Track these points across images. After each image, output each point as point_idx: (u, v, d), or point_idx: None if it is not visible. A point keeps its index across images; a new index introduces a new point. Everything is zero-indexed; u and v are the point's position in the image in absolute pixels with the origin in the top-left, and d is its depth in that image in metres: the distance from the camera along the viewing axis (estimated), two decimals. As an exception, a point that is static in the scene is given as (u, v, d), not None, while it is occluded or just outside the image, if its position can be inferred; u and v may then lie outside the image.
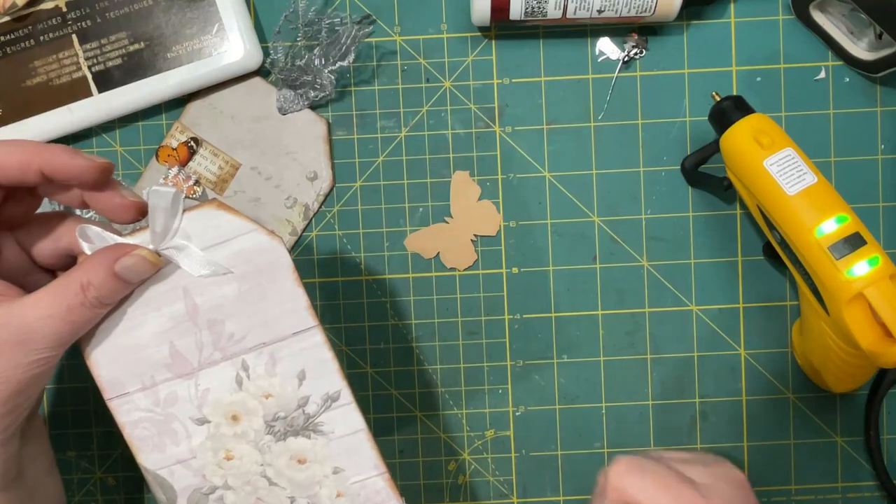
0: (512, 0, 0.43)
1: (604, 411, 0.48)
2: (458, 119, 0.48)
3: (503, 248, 0.48)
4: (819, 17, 0.46)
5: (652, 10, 0.44)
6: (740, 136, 0.41)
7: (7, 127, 0.46)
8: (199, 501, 0.39)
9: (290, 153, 0.48)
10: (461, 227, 0.48)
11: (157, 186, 0.35)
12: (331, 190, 0.48)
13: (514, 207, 0.48)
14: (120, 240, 0.36)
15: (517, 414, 0.49)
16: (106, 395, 0.37)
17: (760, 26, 0.47)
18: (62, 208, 0.45)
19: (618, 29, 0.48)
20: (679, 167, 0.48)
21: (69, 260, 0.38)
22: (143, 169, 0.48)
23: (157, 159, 0.48)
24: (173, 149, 0.48)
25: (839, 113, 0.47)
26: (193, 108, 0.48)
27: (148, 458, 0.38)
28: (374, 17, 0.48)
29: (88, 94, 0.46)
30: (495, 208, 0.48)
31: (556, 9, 0.44)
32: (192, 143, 0.48)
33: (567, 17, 0.44)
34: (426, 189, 0.48)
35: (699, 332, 0.48)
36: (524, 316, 0.48)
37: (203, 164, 0.48)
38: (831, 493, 0.48)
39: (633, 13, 0.44)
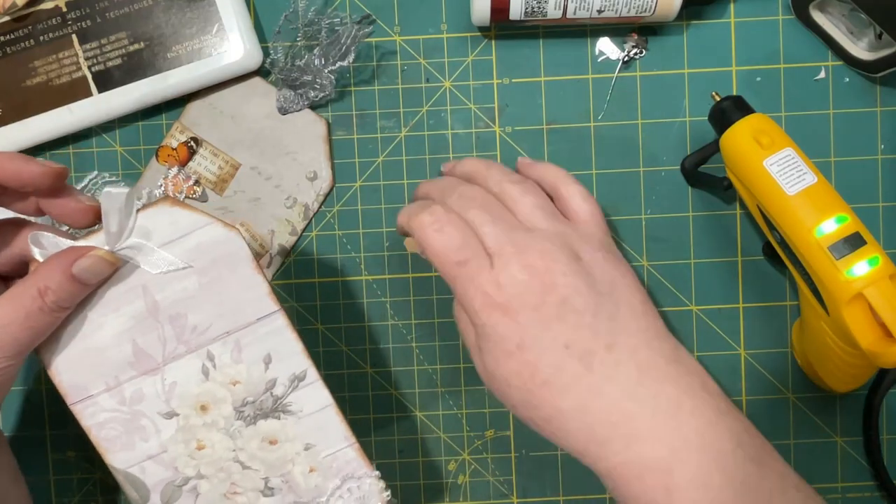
0: (512, 0, 0.43)
1: (604, 411, 0.48)
2: (458, 119, 0.48)
3: (503, 248, 0.48)
4: (819, 17, 0.46)
5: (652, 10, 0.44)
6: (740, 136, 0.41)
7: (7, 127, 0.46)
8: (172, 494, 0.39)
9: (290, 153, 0.48)
10: None
11: (110, 188, 0.35)
12: (331, 190, 0.48)
13: (514, 207, 0.48)
14: (73, 244, 0.36)
15: (517, 414, 0.49)
16: (69, 399, 0.38)
17: (760, 26, 0.47)
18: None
19: (618, 29, 0.48)
20: (679, 167, 0.48)
21: (23, 267, 0.38)
22: (143, 169, 0.48)
23: (157, 159, 0.48)
24: (173, 149, 0.48)
25: (839, 113, 0.47)
26: (193, 108, 0.48)
27: (116, 457, 0.38)
28: (374, 17, 0.48)
29: (88, 94, 0.46)
30: None
31: (556, 9, 0.44)
32: (192, 143, 0.48)
33: (567, 17, 0.44)
34: None
35: (699, 332, 0.48)
36: (524, 316, 0.48)
37: (203, 164, 0.48)
38: (831, 493, 0.48)
39: (632, 13, 0.44)
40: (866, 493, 0.48)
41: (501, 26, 0.47)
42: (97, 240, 0.36)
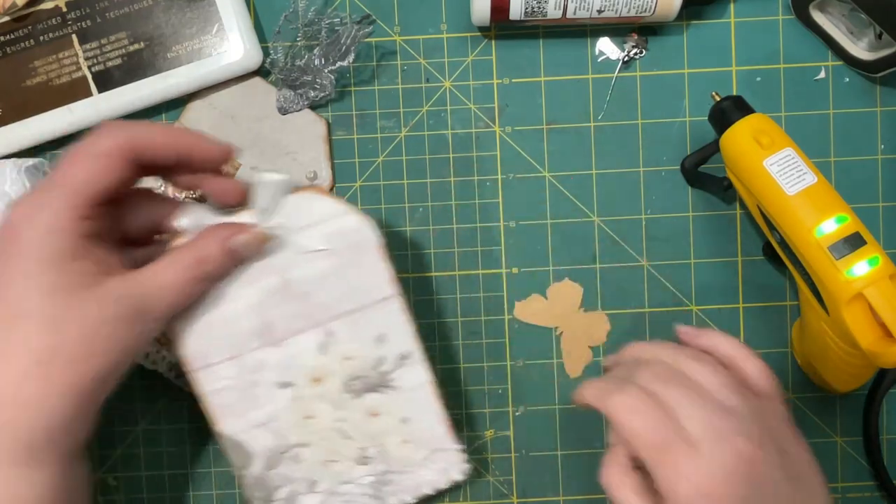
0: (512, 0, 0.43)
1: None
2: (458, 119, 0.48)
3: (503, 248, 0.48)
4: (819, 17, 0.46)
5: (652, 10, 0.44)
6: (740, 136, 0.41)
7: (7, 127, 0.46)
8: (274, 461, 0.42)
9: (290, 153, 0.48)
10: (573, 336, 0.48)
11: (268, 172, 0.39)
12: (331, 190, 0.48)
13: (514, 207, 0.48)
14: (224, 219, 0.39)
15: (517, 414, 0.49)
16: (190, 366, 0.40)
17: (760, 26, 0.47)
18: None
19: (618, 29, 0.48)
20: (679, 167, 0.48)
21: (150, 236, 0.40)
22: (143, 169, 0.48)
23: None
24: (173, 149, 0.48)
25: (839, 113, 0.47)
26: (193, 108, 0.48)
27: (227, 424, 0.41)
28: (374, 17, 0.48)
29: (88, 94, 0.46)
30: (606, 318, 0.48)
31: (556, 9, 0.44)
32: (192, 143, 0.48)
33: (567, 17, 0.44)
34: (426, 189, 0.48)
35: (699, 332, 0.48)
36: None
37: (203, 164, 0.48)
38: (831, 493, 0.48)
39: (633, 13, 0.44)
40: (866, 493, 0.48)
41: (501, 26, 0.47)
42: (246, 217, 0.39)
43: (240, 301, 0.40)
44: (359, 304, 0.41)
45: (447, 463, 0.43)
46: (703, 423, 0.35)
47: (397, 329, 0.41)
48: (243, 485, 0.42)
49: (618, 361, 0.41)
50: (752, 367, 0.39)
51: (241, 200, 0.39)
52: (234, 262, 0.38)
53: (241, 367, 0.40)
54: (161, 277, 0.36)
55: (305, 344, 0.41)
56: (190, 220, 0.39)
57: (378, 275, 0.41)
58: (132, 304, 0.35)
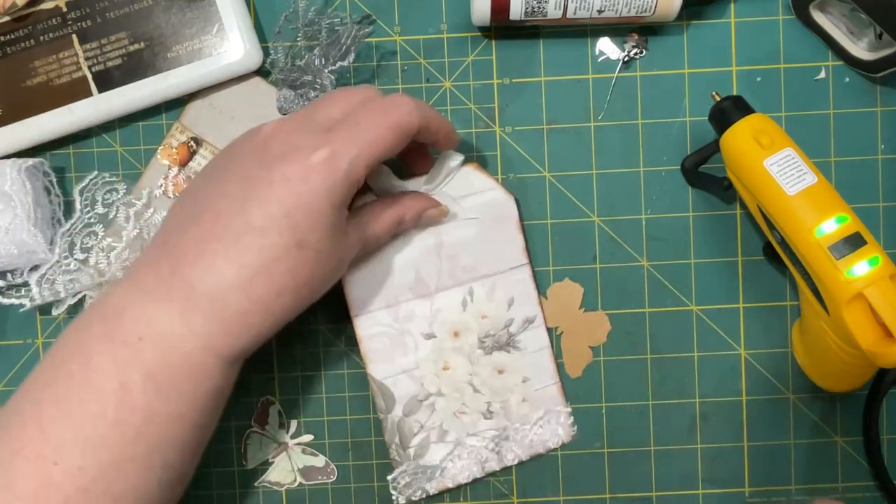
0: (512, 0, 0.43)
1: (603, 411, 0.48)
2: (458, 119, 0.48)
3: (503, 248, 0.48)
4: (819, 17, 0.46)
5: (652, 10, 0.44)
6: (740, 136, 0.41)
7: (7, 127, 0.46)
8: (413, 407, 0.46)
9: (290, 153, 0.48)
10: (573, 336, 0.48)
11: (449, 153, 0.45)
12: (331, 190, 0.48)
13: (514, 207, 0.48)
14: (402, 183, 0.45)
15: (517, 414, 0.49)
16: (353, 311, 0.46)
17: (760, 26, 0.47)
18: None
19: (618, 29, 0.48)
20: (679, 167, 0.48)
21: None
22: (144, 169, 0.48)
23: (161, 157, 0.48)
24: (173, 149, 0.48)
25: (839, 113, 0.47)
26: (193, 108, 0.48)
27: (377, 368, 0.46)
28: (374, 17, 0.48)
29: (88, 94, 0.46)
30: (606, 318, 0.48)
31: (556, 9, 0.44)
32: (192, 143, 0.48)
33: (567, 17, 0.44)
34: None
35: (699, 332, 0.48)
36: (524, 316, 0.48)
37: (203, 164, 0.48)
38: (831, 493, 0.48)
39: (633, 13, 0.44)
40: (866, 493, 0.48)
41: (501, 26, 0.47)
42: (415, 183, 0.45)
43: (400, 256, 0.45)
44: (496, 269, 0.46)
45: (558, 423, 0.47)
46: None
47: (525, 295, 0.47)
48: (383, 429, 0.46)
49: None
50: None
51: (424, 172, 0.45)
52: (415, 228, 0.45)
53: (395, 316, 0.46)
54: (376, 227, 0.42)
55: (450, 300, 0.46)
56: (379, 181, 0.44)
57: (515, 245, 0.46)
58: (360, 248, 0.42)
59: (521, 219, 0.47)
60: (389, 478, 0.47)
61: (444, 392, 0.46)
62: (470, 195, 0.46)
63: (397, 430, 0.46)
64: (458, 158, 0.45)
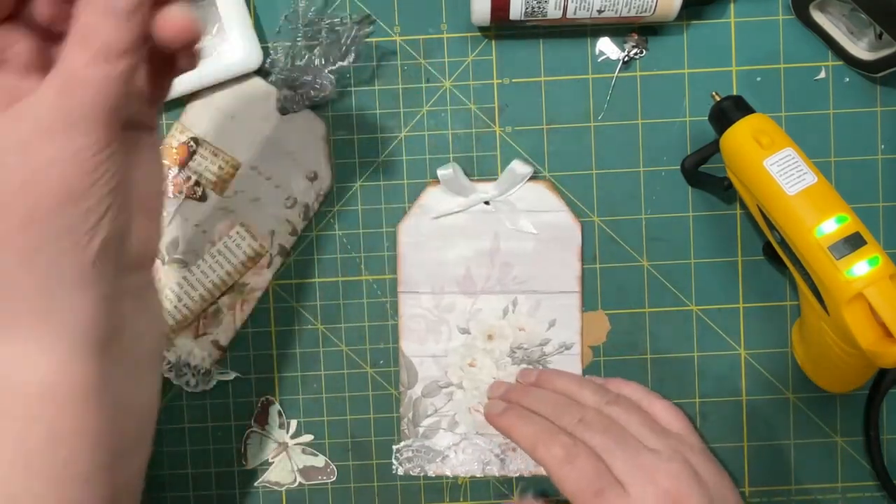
0: (512, 0, 0.43)
1: (604, 411, 0.48)
2: (458, 119, 0.48)
3: (503, 248, 0.48)
4: (819, 17, 0.46)
5: (652, 10, 0.44)
6: (740, 136, 0.41)
7: (7, 127, 0.46)
8: (432, 391, 0.48)
9: (290, 153, 0.48)
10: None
11: (518, 162, 0.47)
12: (331, 190, 0.48)
13: (514, 207, 0.48)
14: (474, 188, 0.47)
15: (517, 414, 0.49)
16: (400, 288, 0.48)
17: (760, 26, 0.47)
18: None
19: (618, 29, 0.48)
20: (679, 167, 0.48)
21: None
22: (143, 169, 0.48)
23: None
24: (173, 149, 0.48)
25: (839, 113, 0.47)
26: (193, 108, 0.48)
27: (409, 346, 0.48)
28: (374, 17, 0.48)
29: (88, 94, 0.46)
30: (606, 318, 0.48)
31: (556, 9, 0.44)
32: (192, 143, 0.48)
33: (567, 17, 0.44)
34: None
35: (699, 332, 0.48)
36: (524, 316, 0.48)
37: (203, 164, 0.48)
38: (831, 493, 0.48)
39: (633, 13, 0.44)
40: (866, 493, 0.48)
41: (501, 26, 0.47)
42: (484, 186, 0.47)
43: (455, 251, 0.48)
44: (546, 288, 0.48)
45: None
46: (627, 465, 0.39)
47: (569, 321, 0.48)
48: (401, 402, 0.48)
49: (540, 384, 0.46)
50: (660, 407, 0.45)
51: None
52: (127, 27, 0.28)
53: (437, 303, 0.48)
54: (46, 85, 0.28)
55: (492, 304, 0.48)
56: (448, 172, 0.47)
57: (571, 270, 0.48)
58: (31, 130, 0.28)
59: (583, 246, 0.48)
60: (395, 447, 0.48)
61: (464, 386, 0.48)
62: (537, 212, 0.47)
63: (412, 406, 0.48)
64: (527, 168, 0.47)
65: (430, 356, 0.48)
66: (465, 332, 0.48)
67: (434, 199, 0.48)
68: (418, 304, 0.48)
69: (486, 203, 0.48)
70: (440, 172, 0.47)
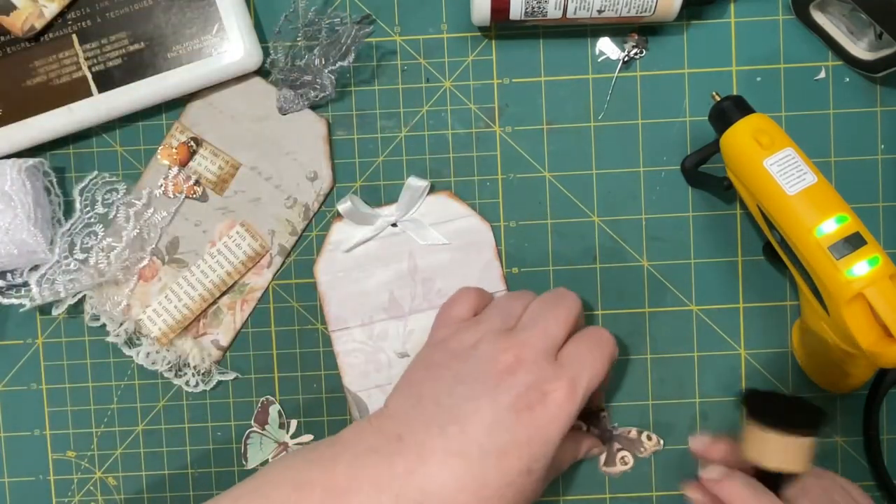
0: (512, 0, 0.43)
1: (603, 412, 0.48)
2: (458, 119, 0.48)
3: (503, 248, 0.48)
4: (819, 17, 0.46)
5: (652, 10, 0.44)
6: (740, 136, 0.41)
7: (7, 127, 0.46)
8: None
9: (290, 153, 0.48)
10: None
11: (414, 178, 0.47)
12: (331, 190, 0.48)
13: (514, 207, 0.48)
14: (371, 210, 0.47)
15: (517, 414, 0.49)
16: (330, 327, 0.48)
17: (760, 26, 0.47)
18: None
19: (618, 29, 0.48)
20: (679, 167, 0.48)
21: None
22: (144, 169, 0.48)
23: (161, 157, 0.48)
24: (173, 149, 0.48)
25: (839, 113, 0.47)
26: (193, 108, 0.48)
27: (353, 381, 0.48)
28: (374, 17, 0.48)
29: (88, 94, 0.46)
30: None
31: (556, 9, 0.44)
32: (192, 143, 0.48)
33: (567, 17, 0.44)
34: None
35: (699, 332, 0.48)
36: (524, 316, 0.48)
37: (203, 164, 0.48)
38: (831, 493, 0.48)
39: (633, 13, 0.44)
40: (866, 493, 0.48)
41: (501, 26, 0.47)
42: (386, 211, 0.47)
43: (375, 278, 0.47)
44: None
45: None
46: None
47: None
48: None
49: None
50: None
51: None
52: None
53: (369, 334, 0.48)
54: (574, 454, 0.45)
55: (423, 322, 0.47)
56: (348, 206, 0.46)
57: (491, 271, 0.48)
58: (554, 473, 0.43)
59: (498, 245, 0.47)
60: None
61: None
62: (444, 222, 0.47)
63: None
64: (423, 181, 0.46)
65: (374, 387, 0.48)
66: (404, 355, 0.48)
67: (342, 234, 0.47)
68: (351, 339, 0.48)
69: (394, 225, 0.47)
70: (340, 207, 0.46)
